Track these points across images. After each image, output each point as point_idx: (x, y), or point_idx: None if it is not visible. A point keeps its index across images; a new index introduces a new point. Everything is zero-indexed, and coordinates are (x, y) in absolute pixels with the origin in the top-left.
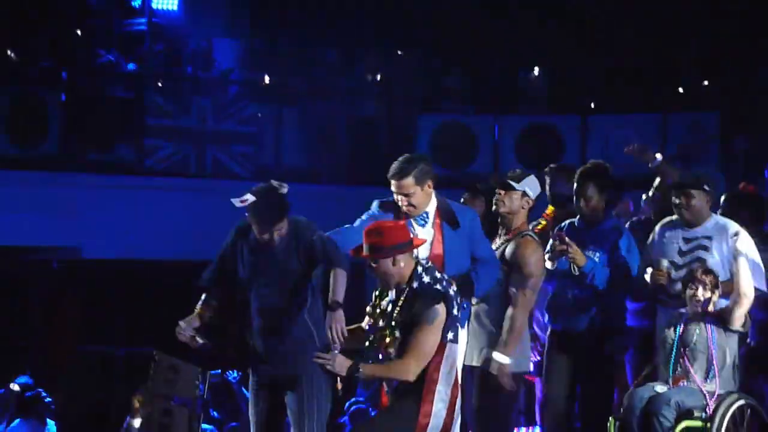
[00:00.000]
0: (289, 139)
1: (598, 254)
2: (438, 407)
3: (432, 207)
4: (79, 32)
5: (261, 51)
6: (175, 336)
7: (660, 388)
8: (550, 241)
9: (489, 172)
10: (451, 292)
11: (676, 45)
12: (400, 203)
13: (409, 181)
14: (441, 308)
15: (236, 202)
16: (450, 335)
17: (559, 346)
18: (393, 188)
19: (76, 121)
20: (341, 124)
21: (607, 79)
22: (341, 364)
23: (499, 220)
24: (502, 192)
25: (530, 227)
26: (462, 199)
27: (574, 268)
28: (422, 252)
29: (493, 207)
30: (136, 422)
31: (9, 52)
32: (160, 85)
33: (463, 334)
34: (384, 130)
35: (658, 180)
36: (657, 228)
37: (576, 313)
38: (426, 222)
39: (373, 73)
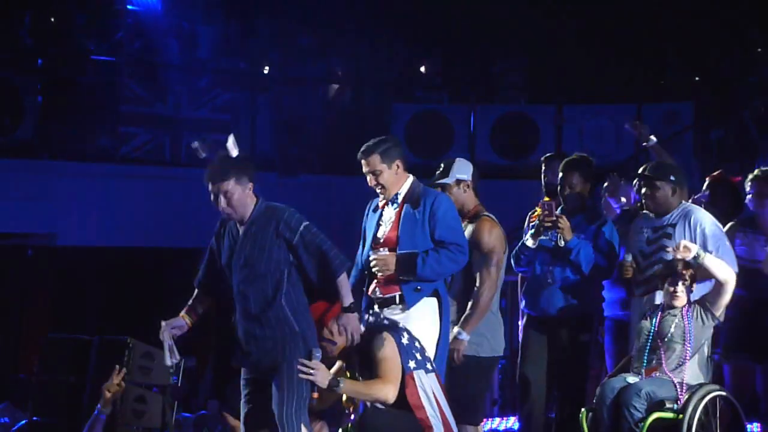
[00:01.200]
0: (264, 128)
1: (582, 236)
2: (433, 421)
3: (404, 190)
4: (53, 19)
5: (236, 38)
6: (150, 323)
7: (632, 378)
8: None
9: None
10: (400, 325)
11: (653, 35)
12: (370, 183)
13: (375, 158)
14: (387, 335)
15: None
16: (412, 363)
17: (535, 330)
18: (363, 168)
19: (52, 108)
20: (315, 113)
21: (583, 69)
22: (322, 376)
23: None
24: (442, 190)
25: (528, 216)
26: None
27: (560, 240)
28: (379, 233)
29: None
30: (107, 410)
31: None
32: (134, 72)
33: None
34: (358, 118)
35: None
36: (636, 219)
37: (554, 297)
38: (396, 205)
39: (347, 62)
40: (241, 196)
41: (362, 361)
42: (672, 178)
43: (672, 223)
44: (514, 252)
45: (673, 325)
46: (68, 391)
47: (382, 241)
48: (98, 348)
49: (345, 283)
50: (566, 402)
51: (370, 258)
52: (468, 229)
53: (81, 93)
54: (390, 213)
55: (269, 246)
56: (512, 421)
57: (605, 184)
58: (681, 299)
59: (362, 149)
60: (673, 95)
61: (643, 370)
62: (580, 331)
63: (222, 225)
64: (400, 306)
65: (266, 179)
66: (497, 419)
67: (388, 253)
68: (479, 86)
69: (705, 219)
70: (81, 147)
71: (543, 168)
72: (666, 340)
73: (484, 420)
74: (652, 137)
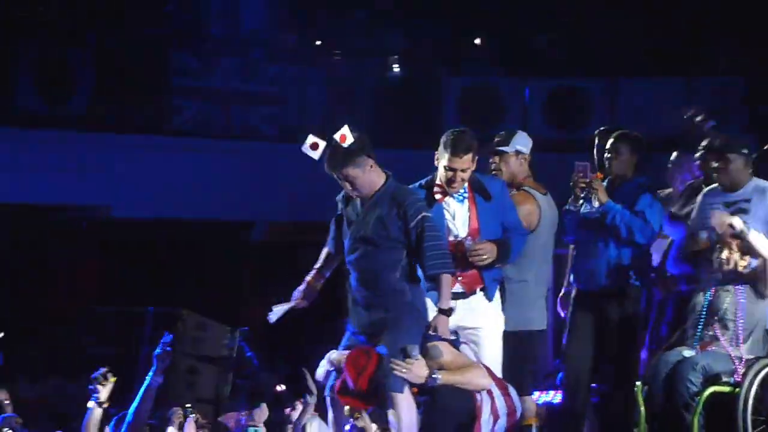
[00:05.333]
0: (314, 101)
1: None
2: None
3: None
4: None
5: (287, 11)
6: (201, 294)
7: (687, 352)
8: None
9: None
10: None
11: (705, 7)
12: (447, 177)
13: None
14: (433, 344)
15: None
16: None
17: (581, 304)
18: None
19: (104, 81)
20: (366, 86)
21: (635, 42)
22: (417, 372)
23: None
24: (497, 159)
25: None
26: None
27: (595, 201)
28: (461, 230)
29: (492, 173)
30: (160, 381)
31: (39, 10)
32: (185, 44)
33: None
34: (410, 92)
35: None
36: (700, 195)
37: (599, 269)
38: (464, 198)
39: (398, 35)
40: (363, 178)
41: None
42: (744, 150)
43: (746, 198)
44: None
45: (726, 301)
46: (122, 362)
47: (467, 234)
48: (152, 319)
49: (445, 285)
50: (616, 376)
51: (473, 248)
52: None
53: (132, 66)
54: (455, 205)
55: (389, 224)
56: None
57: (672, 157)
58: (728, 267)
59: (462, 147)
60: (723, 70)
61: (698, 345)
62: (627, 304)
63: (348, 196)
64: (481, 297)
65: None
66: (551, 392)
67: (486, 242)
68: (531, 59)
69: None
70: (132, 119)
71: (596, 142)
72: (720, 315)
73: (538, 392)
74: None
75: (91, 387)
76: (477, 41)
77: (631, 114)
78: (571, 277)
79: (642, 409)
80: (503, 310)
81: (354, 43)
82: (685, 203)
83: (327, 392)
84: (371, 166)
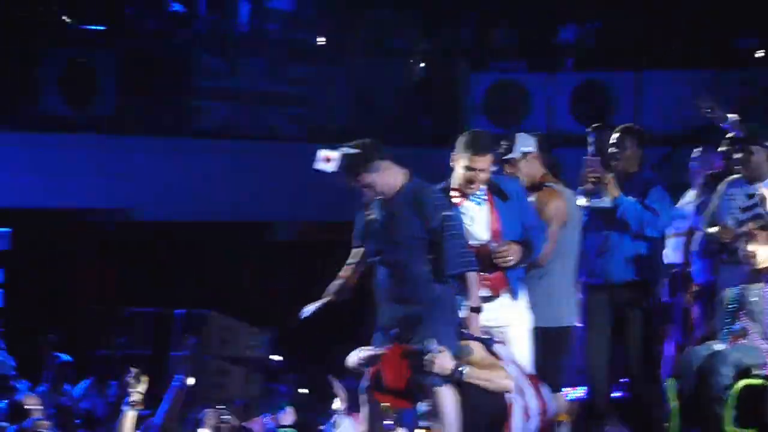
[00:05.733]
0: (338, 101)
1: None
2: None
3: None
4: None
5: (311, 10)
6: (227, 296)
7: (718, 346)
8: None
9: (542, 131)
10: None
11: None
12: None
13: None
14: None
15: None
16: None
17: (597, 299)
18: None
19: (128, 84)
20: (391, 85)
21: (659, 35)
22: (443, 365)
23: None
24: (508, 168)
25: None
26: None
27: (606, 197)
28: (482, 233)
29: None
30: (188, 383)
31: (63, 16)
32: (210, 46)
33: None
34: (435, 89)
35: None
36: (721, 186)
37: (612, 263)
38: (483, 201)
39: (422, 32)
40: (381, 181)
41: None
42: (767, 143)
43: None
44: None
45: (755, 294)
46: (150, 364)
47: (490, 236)
48: (179, 321)
49: (472, 283)
50: (638, 370)
51: (498, 251)
52: (532, 198)
53: (157, 68)
54: (474, 209)
55: (412, 223)
56: None
57: (696, 153)
58: (755, 261)
59: (483, 146)
60: (747, 61)
61: (728, 338)
62: (642, 297)
63: None
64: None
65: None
66: (581, 388)
67: (509, 243)
68: (556, 54)
69: None
70: (157, 121)
71: (594, 137)
72: (748, 308)
73: (568, 388)
74: (731, 115)
75: (122, 390)
76: (501, 37)
77: (657, 108)
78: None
79: (674, 403)
80: (533, 306)
81: (377, 42)
82: (703, 193)
83: (362, 390)
84: (387, 168)
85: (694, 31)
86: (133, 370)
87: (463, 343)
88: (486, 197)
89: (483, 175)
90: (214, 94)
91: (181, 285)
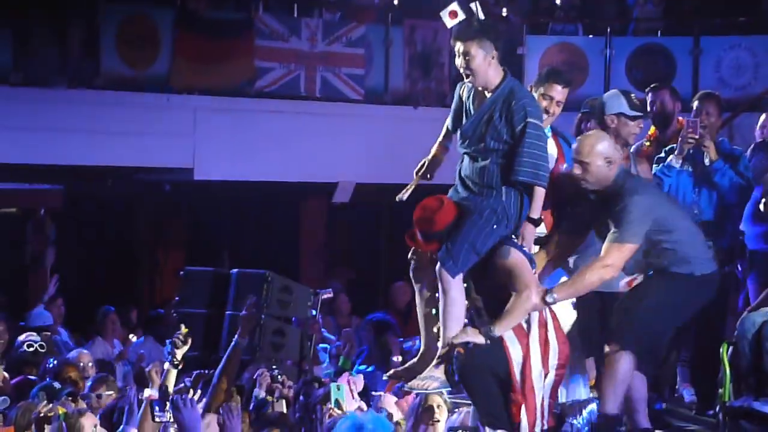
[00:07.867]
0: (398, 61)
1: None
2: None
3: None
4: None
5: None
6: (286, 257)
7: None
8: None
9: (600, 95)
10: None
11: None
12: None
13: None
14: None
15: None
16: None
17: None
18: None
19: (187, 43)
20: (449, 46)
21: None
22: (471, 334)
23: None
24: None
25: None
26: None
27: (705, 159)
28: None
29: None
30: (245, 342)
31: None
32: (269, 6)
33: None
34: None
35: None
36: None
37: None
38: (548, 137)
39: None
40: (481, 63)
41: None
42: None
43: None
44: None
45: None
46: (207, 323)
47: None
48: (237, 281)
49: (538, 197)
50: (705, 336)
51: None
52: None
53: (216, 27)
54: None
55: (500, 127)
56: None
57: (763, 119)
58: None
59: (564, 78)
60: None
61: None
62: (724, 264)
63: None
64: None
65: (401, 112)
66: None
67: None
68: (614, 17)
69: None
70: (216, 81)
71: (650, 98)
72: None
73: None
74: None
75: (167, 348)
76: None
77: (714, 74)
78: None
79: (727, 369)
80: None
81: (436, 2)
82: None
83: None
84: (493, 57)
85: None
86: (182, 330)
87: (503, 246)
88: (551, 135)
89: (557, 108)
90: (273, 54)
91: (239, 244)
